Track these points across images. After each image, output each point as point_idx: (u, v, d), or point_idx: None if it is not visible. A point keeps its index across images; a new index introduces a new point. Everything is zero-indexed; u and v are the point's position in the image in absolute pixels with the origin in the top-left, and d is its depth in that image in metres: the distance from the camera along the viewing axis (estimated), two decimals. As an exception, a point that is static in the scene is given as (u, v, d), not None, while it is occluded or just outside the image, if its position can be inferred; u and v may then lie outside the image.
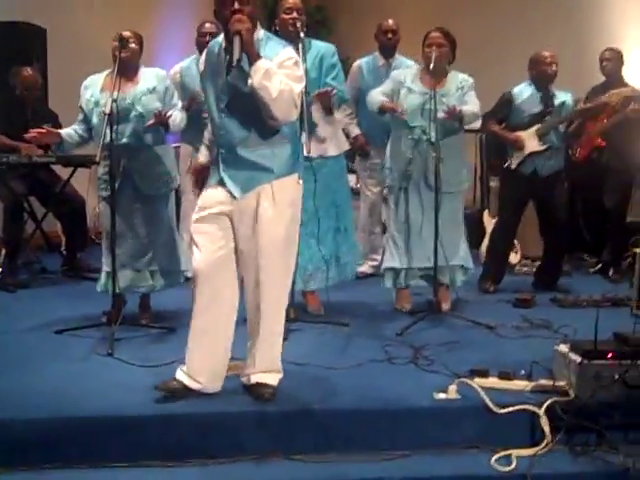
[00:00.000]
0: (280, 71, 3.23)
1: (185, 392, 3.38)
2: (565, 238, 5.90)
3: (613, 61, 6.30)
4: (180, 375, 3.41)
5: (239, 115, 3.31)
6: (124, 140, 4.42)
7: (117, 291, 4.41)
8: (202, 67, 3.42)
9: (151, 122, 4.37)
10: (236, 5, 3.22)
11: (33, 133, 4.39)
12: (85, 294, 4.98)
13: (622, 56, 6.36)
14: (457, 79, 4.93)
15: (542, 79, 5.61)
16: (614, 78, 6.29)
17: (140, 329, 4.53)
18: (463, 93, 4.90)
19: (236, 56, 3.15)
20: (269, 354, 3.50)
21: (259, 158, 3.34)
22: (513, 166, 5.66)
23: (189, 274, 4.20)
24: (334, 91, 4.71)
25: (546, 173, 5.66)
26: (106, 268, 4.62)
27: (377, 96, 4.93)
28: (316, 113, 4.76)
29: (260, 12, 3.47)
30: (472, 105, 4.86)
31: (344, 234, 5.01)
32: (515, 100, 5.65)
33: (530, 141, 5.60)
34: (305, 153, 4.30)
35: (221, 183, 3.35)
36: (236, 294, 3.44)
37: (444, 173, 4.70)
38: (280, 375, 3.53)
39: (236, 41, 3.16)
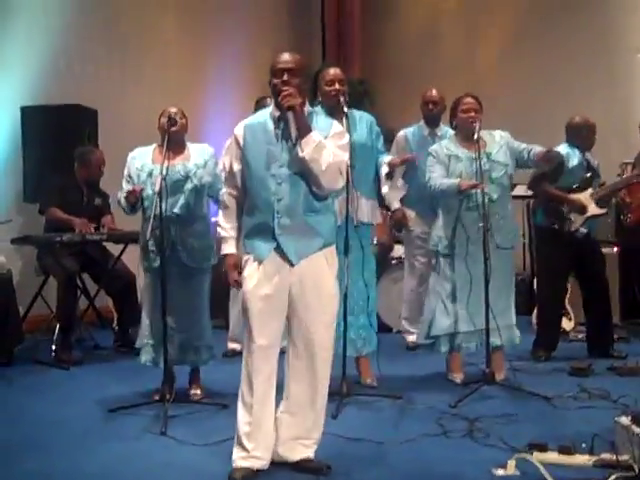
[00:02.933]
0: (330, 141, 3.35)
1: (252, 477, 3.34)
2: (608, 300, 5.80)
3: None
4: (242, 462, 3.35)
5: (296, 182, 3.35)
6: (175, 211, 4.50)
7: (168, 365, 4.44)
8: (242, 138, 3.43)
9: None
10: (285, 77, 3.32)
11: (134, 189, 4.48)
12: (137, 370, 4.98)
13: None
14: (493, 136, 4.96)
15: (585, 144, 5.64)
16: None
17: (192, 405, 4.53)
18: (510, 146, 4.93)
19: (293, 132, 3.28)
20: (320, 428, 3.49)
21: (317, 224, 3.39)
22: (573, 229, 5.61)
23: (238, 347, 4.22)
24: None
25: (594, 235, 5.64)
26: (148, 341, 4.68)
27: (443, 181, 4.87)
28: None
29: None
30: (534, 146, 4.92)
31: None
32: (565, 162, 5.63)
33: (589, 204, 5.60)
34: (355, 222, 4.51)
35: (277, 249, 3.35)
36: None
37: (500, 230, 4.78)
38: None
39: (290, 116, 3.27)
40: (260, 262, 3.37)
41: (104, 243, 6.28)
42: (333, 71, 4.76)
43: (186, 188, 4.54)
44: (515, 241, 5.12)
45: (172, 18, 8.80)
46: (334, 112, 4.55)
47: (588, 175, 5.65)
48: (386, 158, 4.88)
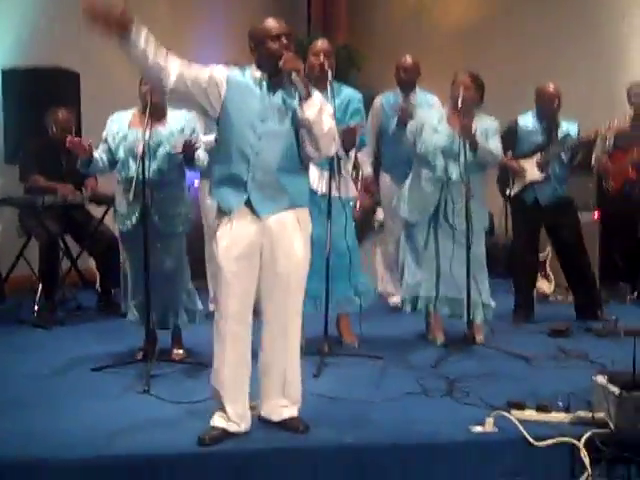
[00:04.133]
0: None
1: (226, 436, 3.37)
2: (585, 267, 5.86)
3: None
4: (219, 422, 3.39)
5: (279, 141, 3.37)
6: (148, 176, 4.47)
7: (151, 326, 4.47)
8: (222, 93, 3.40)
9: (179, 149, 4.42)
10: (284, 40, 3.37)
11: (71, 140, 4.47)
12: (120, 331, 5.01)
13: None
14: (482, 121, 4.95)
15: (545, 112, 5.66)
16: None
17: (174, 365, 4.56)
18: (487, 137, 4.92)
19: (303, 91, 3.30)
20: (297, 385, 3.53)
21: (292, 184, 3.41)
22: (512, 194, 5.73)
23: (212, 308, 4.25)
24: (362, 128, 4.73)
25: (547, 202, 5.68)
26: (131, 302, 4.72)
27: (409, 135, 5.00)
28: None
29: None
30: (492, 145, 4.90)
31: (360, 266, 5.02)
32: (520, 130, 5.72)
33: (531, 170, 5.64)
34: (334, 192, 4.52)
35: (247, 204, 3.37)
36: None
37: (459, 215, 4.80)
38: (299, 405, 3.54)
39: (297, 77, 3.29)
40: (229, 214, 3.38)
41: (86, 205, 6.26)
42: (320, 43, 4.80)
43: (159, 153, 4.52)
44: (483, 225, 5.07)
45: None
46: (319, 83, 4.55)
47: (540, 141, 5.67)
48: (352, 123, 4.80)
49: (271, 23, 3.43)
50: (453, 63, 5.34)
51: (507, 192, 5.78)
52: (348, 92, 4.93)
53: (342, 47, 9.01)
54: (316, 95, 3.37)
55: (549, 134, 5.68)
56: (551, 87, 5.66)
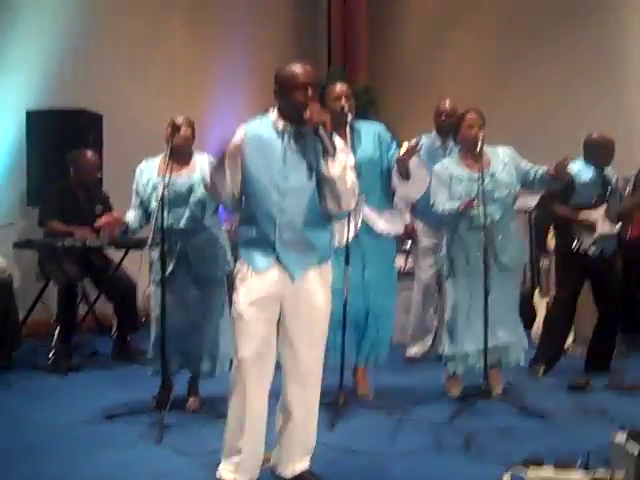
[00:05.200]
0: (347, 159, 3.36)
1: None
2: (619, 316, 5.77)
3: None
4: (227, 474, 3.34)
5: (303, 197, 3.34)
6: (181, 224, 4.49)
7: (168, 375, 4.46)
8: (244, 144, 3.36)
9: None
10: (310, 92, 3.30)
11: (101, 223, 4.49)
12: (135, 378, 5.00)
13: None
14: (497, 154, 4.91)
15: (603, 162, 5.58)
16: None
17: (189, 414, 4.53)
18: (515, 165, 4.88)
19: (329, 147, 3.24)
20: (313, 437, 3.48)
21: (316, 240, 3.38)
22: (582, 249, 5.53)
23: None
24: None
25: (609, 253, 5.61)
26: (156, 352, 4.65)
27: (445, 206, 4.85)
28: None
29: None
30: (529, 167, 4.89)
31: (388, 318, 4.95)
32: (577, 180, 5.56)
33: (601, 223, 5.56)
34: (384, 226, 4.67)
35: (277, 262, 3.34)
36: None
37: (506, 251, 4.75)
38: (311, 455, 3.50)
39: (324, 132, 3.24)
40: (257, 273, 3.36)
41: (105, 249, 6.29)
42: (340, 87, 4.75)
43: (191, 201, 4.52)
44: (522, 261, 5.05)
45: (179, 23, 8.84)
46: (340, 127, 4.56)
47: (600, 192, 5.57)
48: (394, 159, 4.74)
49: (298, 70, 3.33)
50: (471, 101, 5.29)
51: (575, 246, 5.54)
52: (371, 126, 4.87)
53: (363, 88, 9.08)
54: (340, 150, 3.30)
55: (604, 183, 5.59)
56: (607, 136, 5.58)
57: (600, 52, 8.45)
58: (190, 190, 4.52)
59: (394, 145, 4.82)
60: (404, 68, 10.14)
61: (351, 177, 3.33)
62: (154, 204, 4.48)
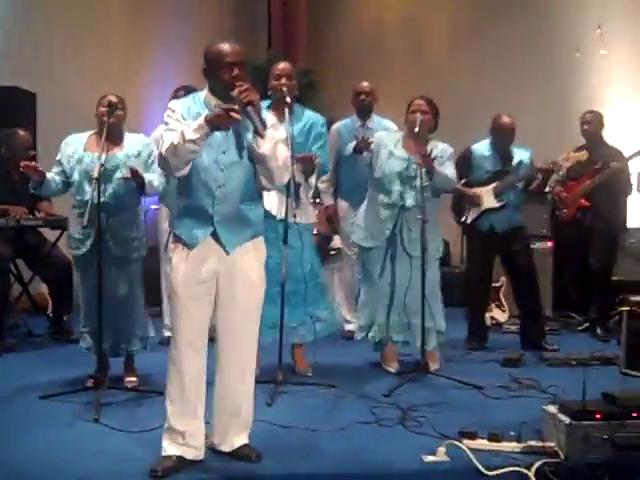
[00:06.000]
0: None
1: (180, 466, 3.32)
2: (535, 295, 5.93)
3: (594, 123, 6.38)
4: (172, 449, 3.34)
5: (240, 173, 3.36)
6: (103, 199, 4.44)
7: (103, 353, 4.43)
8: (180, 116, 3.34)
9: (126, 173, 4.41)
10: (236, 71, 3.29)
11: (26, 164, 4.48)
12: (71, 358, 4.94)
13: (602, 118, 6.45)
14: (437, 148, 4.99)
15: (500, 142, 5.77)
16: (595, 140, 6.38)
17: (126, 393, 4.50)
18: (442, 162, 4.96)
19: (259, 126, 3.24)
20: (250, 412, 3.51)
21: (250, 213, 3.41)
22: (468, 221, 5.81)
23: (169, 334, 4.24)
24: (317, 159, 4.75)
25: (503, 229, 5.76)
26: (84, 329, 4.67)
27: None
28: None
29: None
30: (447, 170, 4.95)
31: (324, 296, 5.05)
32: (474, 157, 5.80)
33: (487, 198, 5.72)
34: (290, 218, 4.50)
35: (213, 236, 3.35)
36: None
37: (419, 237, 4.76)
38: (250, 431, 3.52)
39: (252, 111, 3.24)
40: (190, 248, 3.35)
41: (40, 229, 6.18)
42: (282, 65, 4.82)
43: (115, 177, 4.51)
44: (438, 253, 5.08)
45: (115, 2, 8.69)
46: (280, 105, 4.61)
47: (496, 169, 5.76)
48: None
49: (225, 48, 3.32)
50: (410, 88, 5.39)
51: (463, 219, 5.85)
52: (311, 115, 4.95)
53: (303, 72, 9.07)
54: (271, 127, 3.33)
55: (504, 162, 5.77)
56: (506, 118, 5.76)
57: (532, 36, 8.63)
58: (115, 168, 4.51)
59: (322, 140, 4.96)
60: (343, 53, 10.18)
61: (283, 152, 3.35)
62: (77, 176, 4.52)
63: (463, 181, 5.72)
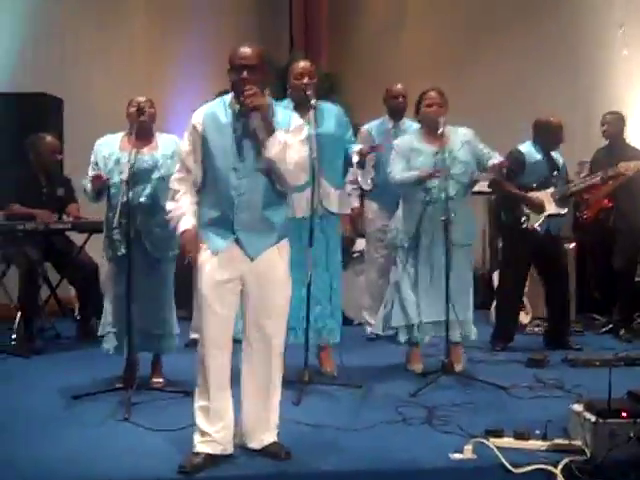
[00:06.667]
0: (290, 136, 3.39)
1: (209, 463, 3.37)
2: (568, 297, 5.97)
3: (614, 124, 6.38)
4: (201, 447, 3.40)
5: (260, 178, 3.40)
6: (141, 200, 4.52)
7: (132, 353, 4.49)
8: (200, 127, 3.43)
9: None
10: (245, 74, 3.34)
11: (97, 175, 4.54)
12: (99, 359, 4.98)
13: (623, 118, 6.45)
14: (457, 133, 5.01)
15: (551, 144, 5.74)
16: (616, 141, 6.39)
17: (154, 393, 4.56)
18: (472, 146, 4.98)
19: (260, 133, 3.31)
20: (277, 412, 3.55)
21: (273, 219, 3.45)
22: (536, 226, 5.73)
23: (195, 336, 4.30)
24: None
25: (556, 232, 5.75)
26: (111, 329, 4.72)
27: (403, 174, 4.97)
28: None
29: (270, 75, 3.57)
30: (486, 151, 4.99)
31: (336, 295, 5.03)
32: (527, 162, 5.76)
33: (548, 203, 5.71)
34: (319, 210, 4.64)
35: (237, 243, 3.40)
36: None
37: (458, 227, 4.81)
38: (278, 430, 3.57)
39: (255, 116, 3.31)
40: (215, 254, 3.40)
41: (68, 232, 6.25)
42: (302, 64, 4.82)
43: (153, 177, 4.56)
44: (471, 239, 5.14)
45: (140, 6, 8.80)
46: (301, 105, 4.64)
47: (551, 174, 5.76)
48: (355, 147, 4.93)
49: (237, 50, 3.38)
50: (431, 84, 5.43)
51: (523, 224, 5.76)
52: (332, 107, 4.96)
53: (324, 75, 9.12)
54: (279, 133, 3.35)
55: (553, 166, 5.77)
56: (556, 119, 5.75)
57: (555, 38, 8.59)
58: (153, 167, 4.57)
59: (350, 130, 5.02)
60: (365, 55, 10.19)
61: (296, 154, 3.36)
62: (116, 178, 4.53)
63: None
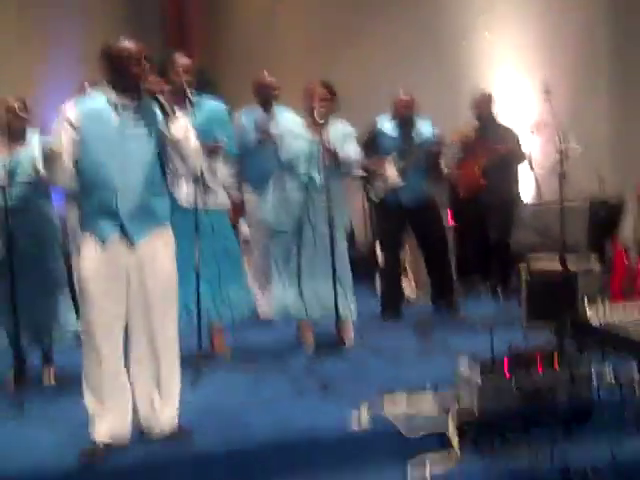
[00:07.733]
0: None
1: (109, 451, 3.38)
2: (448, 258, 6.22)
3: (483, 105, 6.69)
4: (99, 437, 3.40)
5: (141, 165, 3.44)
6: (16, 202, 4.44)
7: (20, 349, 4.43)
8: (76, 120, 3.42)
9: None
10: (144, 63, 3.46)
11: None
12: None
13: (492, 98, 6.75)
14: (338, 127, 5.16)
15: (401, 118, 5.97)
16: (486, 121, 6.68)
17: (46, 388, 4.51)
18: (343, 142, 5.12)
19: (170, 110, 3.41)
20: (176, 394, 3.58)
21: (158, 205, 3.50)
22: (376, 198, 5.96)
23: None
24: (222, 145, 4.89)
25: (410, 203, 5.96)
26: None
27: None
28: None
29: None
30: (351, 152, 5.12)
31: (239, 278, 5.11)
32: (379, 134, 6.00)
33: (392, 175, 5.89)
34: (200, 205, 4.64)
35: (120, 230, 3.41)
36: None
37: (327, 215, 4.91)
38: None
39: (163, 99, 3.41)
40: (102, 242, 3.41)
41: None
42: (180, 60, 4.87)
43: (20, 177, 4.50)
44: (344, 227, 5.29)
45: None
46: (179, 100, 4.62)
47: (405, 146, 5.94)
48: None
49: (130, 45, 3.47)
50: (306, 73, 5.50)
51: (370, 195, 6.00)
52: (212, 105, 5.00)
53: (197, 71, 9.05)
54: (182, 117, 3.49)
55: (406, 140, 5.95)
56: (404, 95, 5.95)
57: (422, 23, 8.80)
58: (20, 166, 4.50)
59: (227, 126, 5.07)
60: (239, 49, 10.20)
61: (194, 139, 3.51)
62: None
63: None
